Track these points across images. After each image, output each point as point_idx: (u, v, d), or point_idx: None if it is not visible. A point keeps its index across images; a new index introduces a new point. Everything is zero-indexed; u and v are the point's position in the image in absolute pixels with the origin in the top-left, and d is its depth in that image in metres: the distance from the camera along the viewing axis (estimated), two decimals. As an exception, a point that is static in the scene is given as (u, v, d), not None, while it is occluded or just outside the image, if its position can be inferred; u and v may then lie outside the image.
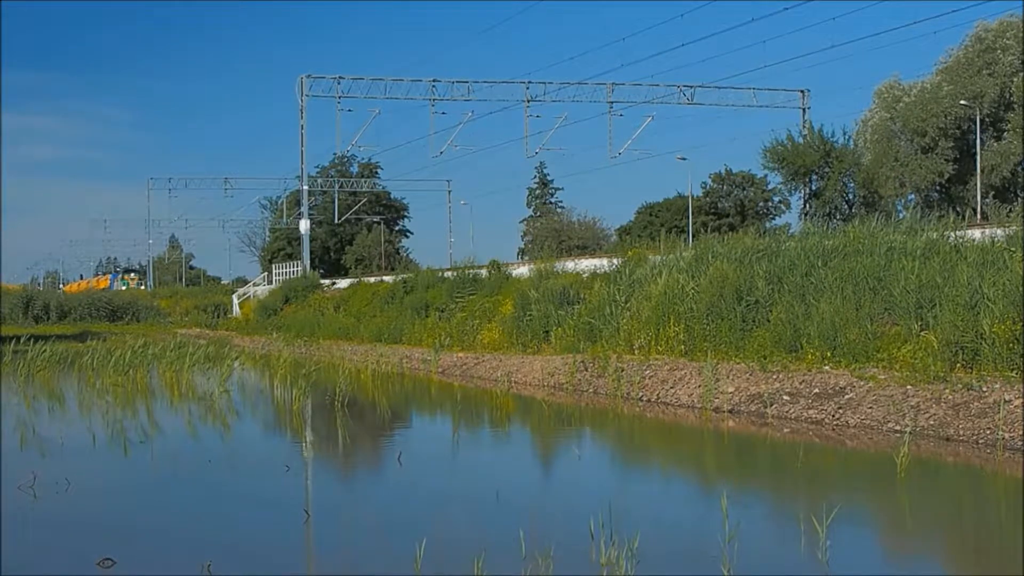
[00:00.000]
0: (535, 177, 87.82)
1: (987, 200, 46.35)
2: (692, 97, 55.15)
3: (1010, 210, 39.04)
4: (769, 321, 19.02)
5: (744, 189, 62.12)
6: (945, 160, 47.95)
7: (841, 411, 14.94)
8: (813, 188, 50.52)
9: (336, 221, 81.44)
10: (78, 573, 7.82)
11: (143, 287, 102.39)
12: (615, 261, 27.15)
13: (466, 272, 34.78)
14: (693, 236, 46.58)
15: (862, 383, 15.45)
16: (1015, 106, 45.45)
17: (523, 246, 78.94)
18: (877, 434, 13.95)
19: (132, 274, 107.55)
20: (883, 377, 15.43)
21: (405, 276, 40.23)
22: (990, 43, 46.82)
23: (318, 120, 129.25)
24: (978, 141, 45.66)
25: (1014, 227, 18.91)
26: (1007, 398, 13.26)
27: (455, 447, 15.24)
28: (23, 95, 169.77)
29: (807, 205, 50.76)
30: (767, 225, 55.05)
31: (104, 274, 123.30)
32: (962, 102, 45.78)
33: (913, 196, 49.63)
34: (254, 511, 10.35)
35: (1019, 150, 45.32)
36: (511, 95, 54.39)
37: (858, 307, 17.34)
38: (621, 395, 19.10)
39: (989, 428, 12.88)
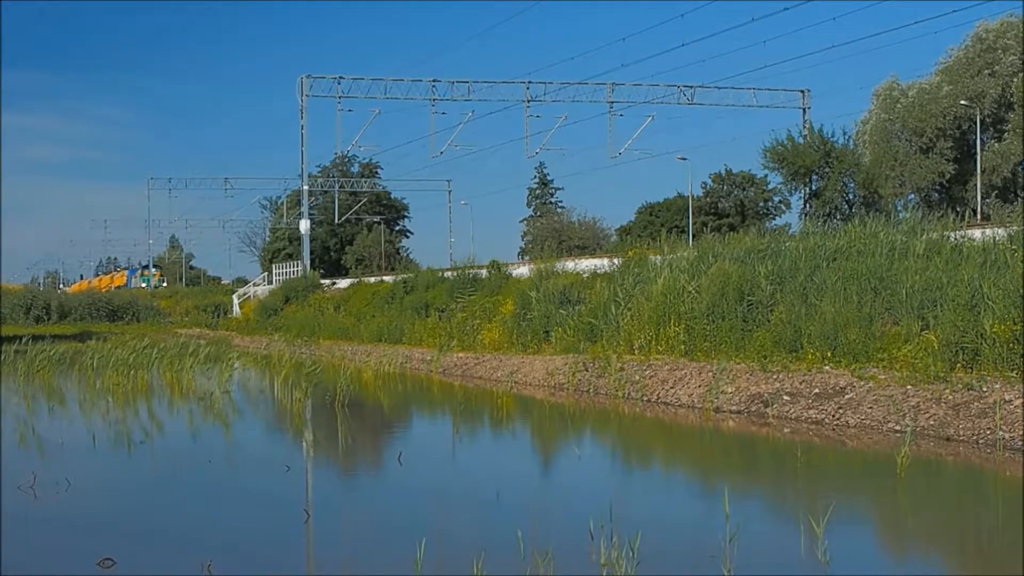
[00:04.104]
0: (535, 177, 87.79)
1: (988, 200, 46.33)
2: (692, 97, 55.13)
3: (1011, 211, 39.01)
4: (770, 321, 19.02)
5: (744, 189, 62.06)
6: (945, 160, 47.94)
7: (841, 411, 14.94)
8: (813, 188, 50.51)
9: (336, 221, 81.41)
10: (78, 573, 7.82)
11: (164, 283, 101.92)
12: (615, 261, 27.15)
13: (466, 272, 34.78)
14: (693, 236, 46.54)
15: (862, 383, 15.45)
16: (1016, 106, 45.41)
17: (523, 246, 78.93)
18: (877, 434, 13.95)
19: (154, 269, 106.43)
20: (883, 377, 15.42)
21: (405, 276, 40.22)
22: (991, 43, 46.77)
23: (318, 120, 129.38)
24: (978, 141, 45.65)
25: (1015, 227, 18.91)
26: (1007, 398, 13.26)
27: (455, 447, 15.24)
28: (23, 95, 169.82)
29: (807, 205, 50.74)
30: (767, 225, 55.01)
31: (120, 270, 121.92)
32: (962, 102, 45.75)
33: (913, 196, 49.61)
34: (254, 511, 10.35)
35: (1019, 150, 45.27)
36: (511, 95, 54.39)
37: (859, 307, 17.34)
38: (622, 395, 19.10)
39: (989, 428, 12.88)
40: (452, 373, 26.01)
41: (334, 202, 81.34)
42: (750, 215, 59.87)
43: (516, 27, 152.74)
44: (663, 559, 7.93)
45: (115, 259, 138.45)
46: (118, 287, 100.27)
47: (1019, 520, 9.65)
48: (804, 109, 56.68)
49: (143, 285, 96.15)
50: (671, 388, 18.38)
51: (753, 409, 16.22)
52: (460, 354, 27.45)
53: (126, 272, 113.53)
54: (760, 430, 15.21)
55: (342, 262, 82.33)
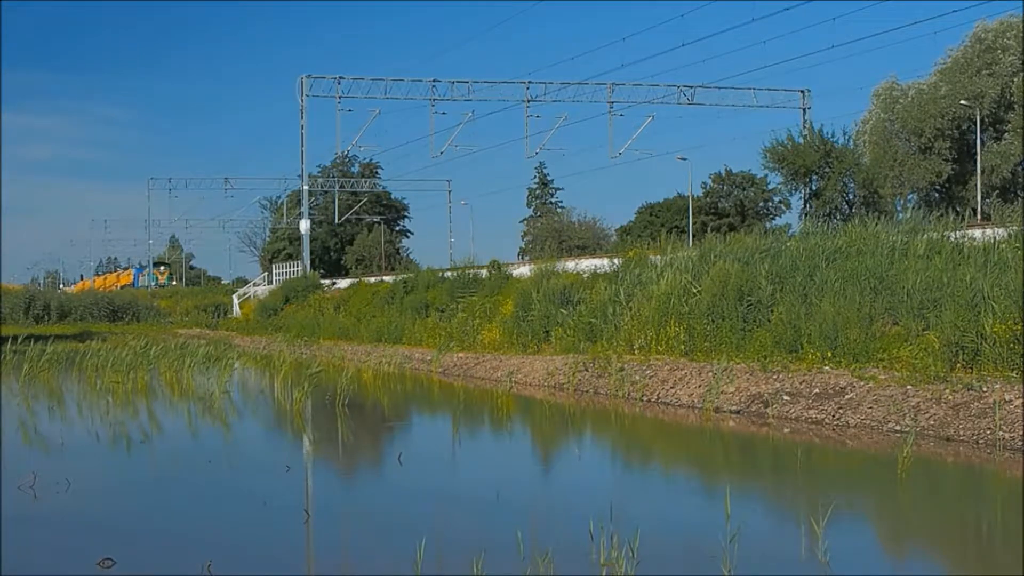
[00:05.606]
0: (535, 177, 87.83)
1: (988, 200, 46.34)
2: (692, 97, 55.14)
3: (1011, 210, 38.99)
4: (770, 321, 19.01)
5: (744, 189, 62.06)
6: (943, 160, 47.94)
7: (841, 411, 14.94)
8: (813, 188, 50.50)
9: (336, 221, 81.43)
10: (78, 573, 7.81)
11: (174, 282, 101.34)
12: (616, 261, 27.15)
13: (466, 272, 34.78)
14: (693, 236, 46.59)
15: (862, 383, 15.45)
16: (1015, 106, 45.43)
17: (523, 246, 78.99)
18: (877, 434, 13.94)
19: (162, 267, 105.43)
20: (883, 377, 15.42)
21: (405, 276, 40.20)
22: (990, 43, 46.79)
23: (319, 120, 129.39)
24: (978, 141, 45.65)
25: (1015, 227, 18.91)
26: (1007, 398, 13.26)
27: (455, 447, 15.23)
28: (23, 95, 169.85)
29: (807, 205, 50.73)
30: (767, 225, 54.98)
31: (126, 268, 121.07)
32: (962, 102, 45.75)
33: (913, 196, 49.62)
34: (254, 511, 10.34)
35: (1019, 151, 45.29)
36: (511, 95, 54.41)
37: (859, 307, 17.34)
38: (622, 395, 19.09)
39: (989, 428, 12.88)
40: (452, 373, 26.01)
41: (334, 202, 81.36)
42: (750, 215, 59.89)
43: (516, 27, 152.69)
44: (663, 559, 7.92)
45: (115, 259, 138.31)
46: (124, 286, 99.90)
47: (1019, 520, 9.64)
48: (804, 109, 56.69)
49: (151, 284, 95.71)
50: (671, 388, 18.37)
51: (753, 409, 16.22)
52: (460, 354, 27.45)
53: (133, 271, 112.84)
54: (760, 430, 15.20)
55: (342, 262, 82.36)
